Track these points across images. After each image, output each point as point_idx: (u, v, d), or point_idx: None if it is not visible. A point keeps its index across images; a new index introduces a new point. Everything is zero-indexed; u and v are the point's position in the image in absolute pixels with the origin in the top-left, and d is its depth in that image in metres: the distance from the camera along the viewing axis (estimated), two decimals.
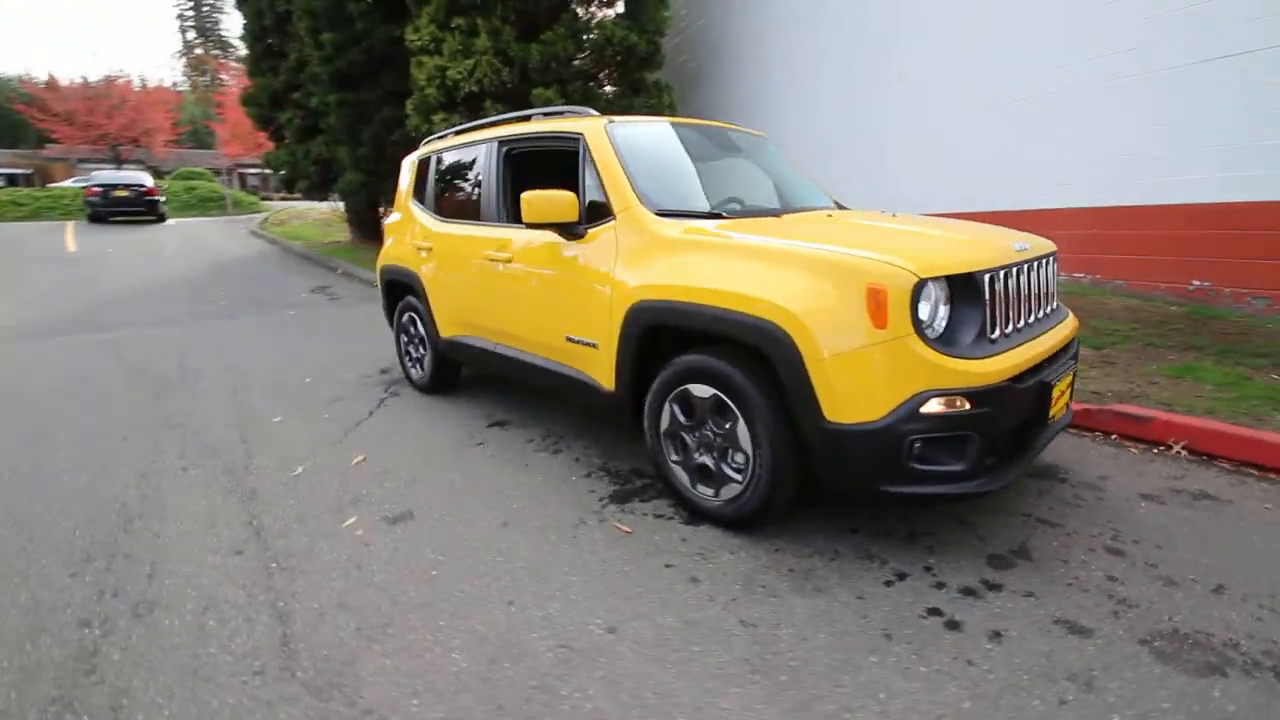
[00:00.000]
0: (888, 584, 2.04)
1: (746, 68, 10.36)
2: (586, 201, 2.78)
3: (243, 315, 7.70)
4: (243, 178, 38.95)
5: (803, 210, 2.95)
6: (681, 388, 2.41)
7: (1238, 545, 2.21)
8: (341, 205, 15.55)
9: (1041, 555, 2.17)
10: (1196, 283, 4.89)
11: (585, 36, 9.20)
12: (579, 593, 2.05)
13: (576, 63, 9.51)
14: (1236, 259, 4.66)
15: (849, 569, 2.13)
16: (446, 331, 3.83)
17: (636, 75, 9.74)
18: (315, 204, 21.01)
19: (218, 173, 30.68)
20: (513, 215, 3.36)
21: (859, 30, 8.01)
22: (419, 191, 4.12)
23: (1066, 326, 2.49)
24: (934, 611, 1.90)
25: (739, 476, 2.28)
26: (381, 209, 14.78)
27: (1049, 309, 2.48)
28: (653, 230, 2.51)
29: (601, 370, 2.74)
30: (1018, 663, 1.69)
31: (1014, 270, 2.19)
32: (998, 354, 2.03)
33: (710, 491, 2.40)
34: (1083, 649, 1.74)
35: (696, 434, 2.42)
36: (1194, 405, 3.25)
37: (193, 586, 2.15)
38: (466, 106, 9.02)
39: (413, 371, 4.36)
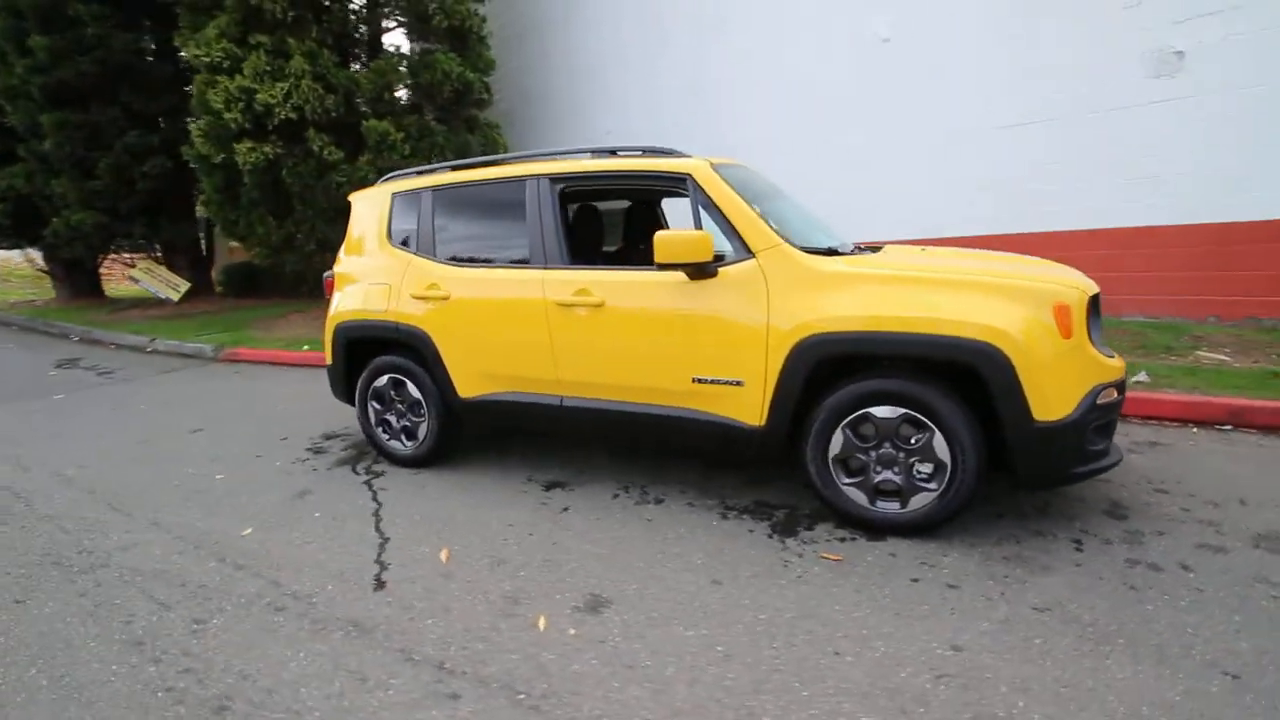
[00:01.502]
0: (1078, 549, 2.43)
1: (564, 108, 10.63)
2: None
3: None
4: None
5: (879, 246, 3.26)
6: (859, 412, 2.54)
7: (1212, 471, 3.09)
8: (36, 254, 11.76)
9: (1130, 504, 2.78)
10: None
11: (405, 67, 8.56)
12: (878, 626, 2.04)
13: (401, 95, 8.82)
14: None
15: (1041, 545, 2.47)
16: (473, 390, 3.32)
17: (470, 113, 9.42)
18: None
19: None
20: (579, 257, 3.12)
21: (660, 72, 8.93)
22: (402, 234, 3.53)
23: None
24: (1132, 562, 2.34)
25: (932, 485, 2.49)
26: (115, 256, 11.56)
27: None
28: (809, 266, 2.61)
29: (746, 408, 2.72)
30: (1223, 580, 2.19)
31: None
32: (1113, 354, 2.60)
33: (894, 505, 2.56)
34: (1234, 559, 2.31)
35: (874, 453, 2.57)
36: None
37: None
38: (281, 135, 7.77)
39: (394, 444, 3.65)
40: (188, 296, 10.90)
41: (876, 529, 2.61)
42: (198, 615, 2.29)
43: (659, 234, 2.62)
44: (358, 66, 8.86)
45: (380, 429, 3.70)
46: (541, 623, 2.14)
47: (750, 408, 2.72)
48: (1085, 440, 2.39)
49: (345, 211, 8.51)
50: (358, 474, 3.63)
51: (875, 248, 3.10)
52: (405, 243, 3.51)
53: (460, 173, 3.45)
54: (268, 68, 7.49)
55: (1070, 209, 5.79)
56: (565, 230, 3.13)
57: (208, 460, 4.00)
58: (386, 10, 8.29)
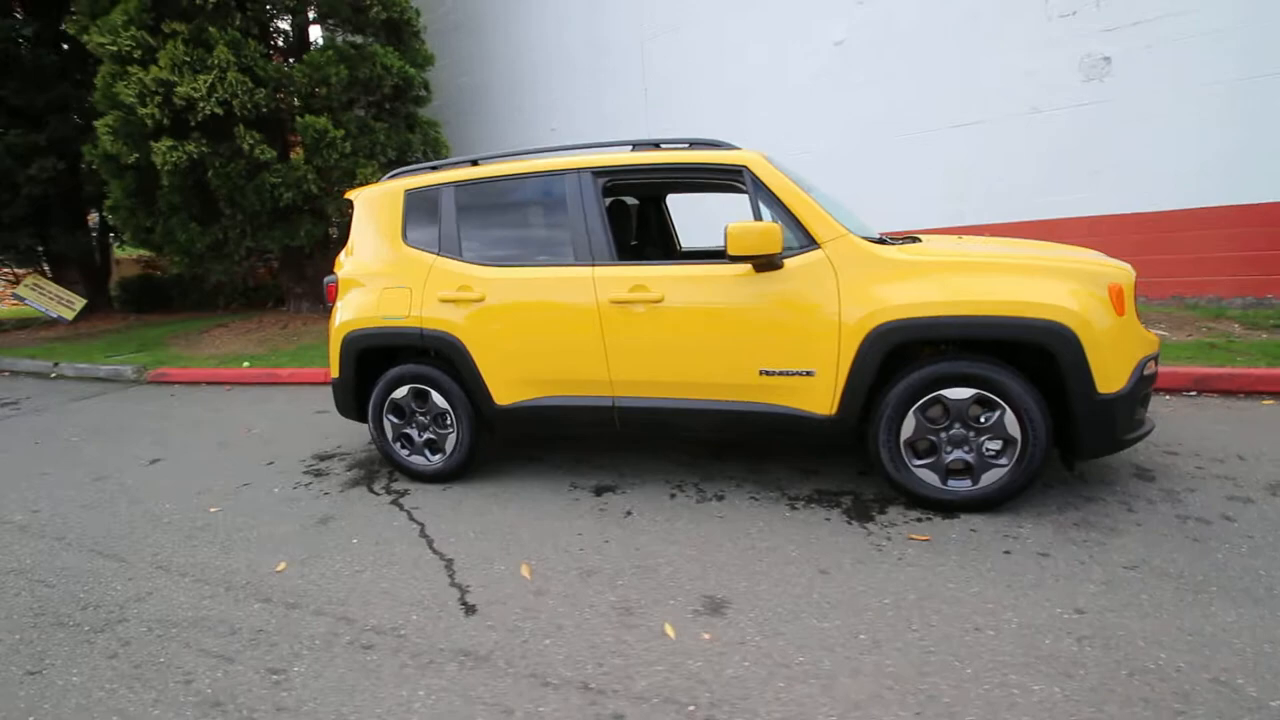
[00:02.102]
0: (1130, 511, 2.62)
1: (505, 106, 10.32)
2: None
3: None
4: None
5: (917, 236, 3.35)
6: (930, 395, 2.62)
7: (1201, 432, 3.43)
8: None
9: (1151, 466, 3.04)
10: None
11: (342, 61, 8.01)
12: (998, 598, 2.10)
13: (327, 91, 8.18)
14: None
15: (1098, 510, 2.64)
16: (512, 396, 3.15)
17: (410, 110, 8.99)
18: None
19: None
20: (627, 251, 3.03)
21: (606, 69, 8.91)
22: (420, 233, 3.28)
23: None
24: (1182, 517, 2.54)
25: (1002, 460, 2.61)
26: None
27: None
28: (876, 254, 2.66)
29: (816, 398, 2.74)
30: (1264, 526, 2.42)
31: None
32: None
33: (965, 483, 2.66)
34: (1264, 509, 2.56)
35: (944, 434, 2.66)
36: None
37: None
38: (206, 132, 7.08)
39: (416, 460, 3.41)
40: (83, 314, 9.68)
41: (949, 508, 2.70)
42: (272, 664, 2.03)
43: (731, 225, 2.59)
44: (309, 56, 8.17)
45: (399, 444, 3.44)
46: (670, 630, 2.06)
47: (821, 397, 2.74)
48: (1135, 409, 2.59)
49: (280, 214, 7.95)
50: (378, 494, 3.36)
51: (914, 237, 3.21)
52: (425, 242, 3.28)
53: (486, 168, 3.26)
54: (187, 58, 6.78)
55: (1024, 202, 6.26)
56: (611, 225, 3.03)
57: (187, 493, 3.56)
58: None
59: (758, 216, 2.78)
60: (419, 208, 3.32)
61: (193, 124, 6.85)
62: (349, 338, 3.37)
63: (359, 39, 8.41)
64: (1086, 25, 5.81)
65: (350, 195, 3.58)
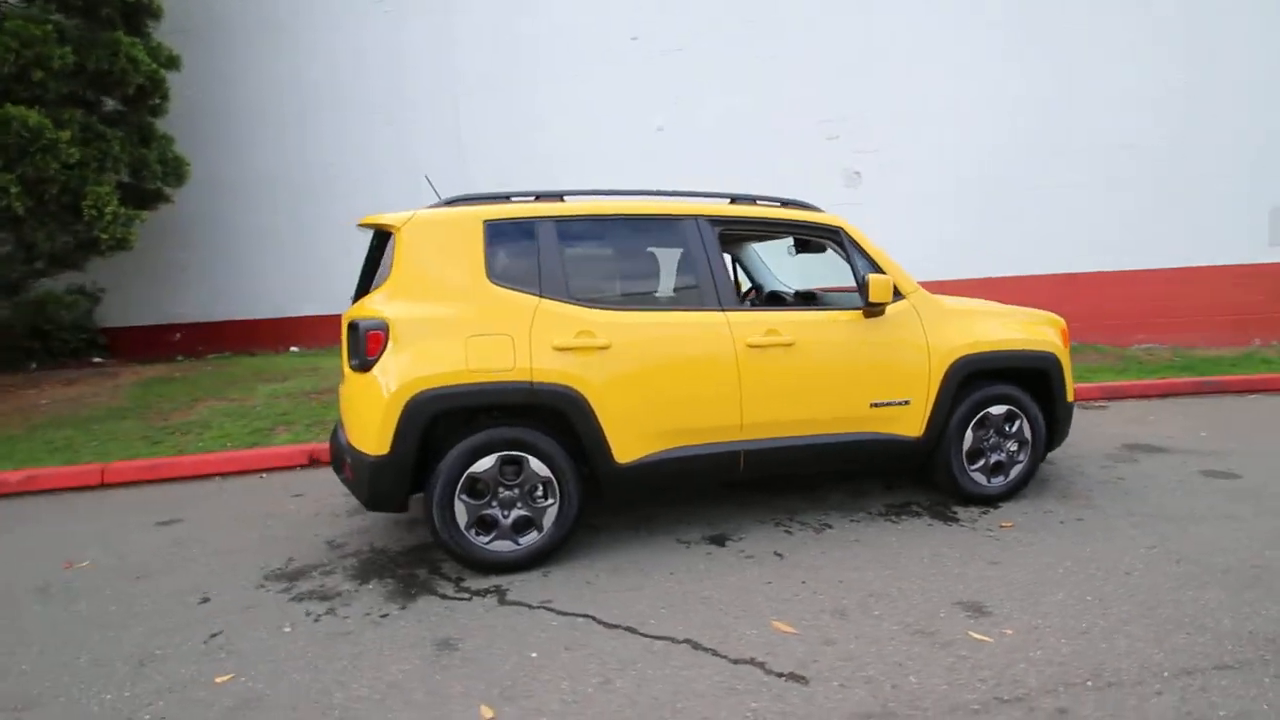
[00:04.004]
0: (1075, 484, 3.75)
1: (251, 134, 8.64)
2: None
3: None
4: None
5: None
6: (981, 412, 3.36)
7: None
8: None
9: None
10: None
11: (56, 42, 5.83)
12: (1106, 553, 2.83)
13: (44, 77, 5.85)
14: None
15: (1063, 486, 3.67)
16: (634, 453, 2.85)
17: (146, 120, 6.96)
18: None
19: None
20: (735, 297, 3.09)
21: (414, 124, 8.53)
22: (512, 272, 2.77)
23: None
24: (1105, 482, 3.74)
25: (1021, 457, 3.47)
26: None
27: None
28: (940, 303, 3.33)
29: (910, 423, 3.24)
30: (1147, 479, 3.73)
31: None
32: None
33: (1000, 479, 3.45)
34: (1130, 466, 3.94)
35: (988, 442, 3.41)
36: None
37: None
38: None
39: (499, 546, 2.78)
40: None
41: (990, 500, 3.44)
42: None
43: (875, 277, 2.98)
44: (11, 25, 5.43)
45: (473, 530, 2.73)
46: (979, 636, 2.25)
47: (912, 422, 3.25)
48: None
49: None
50: (463, 599, 2.62)
51: None
52: (521, 282, 2.78)
53: (592, 204, 2.97)
54: None
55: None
56: (725, 271, 3.09)
57: (114, 671, 2.21)
58: None
59: (855, 271, 3.22)
60: (507, 241, 2.81)
61: None
62: (418, 400, 2.59)
63: (63, 18, 6.15)
64: (844, 146, 7.89)
65: (388, 221, 2.79)
